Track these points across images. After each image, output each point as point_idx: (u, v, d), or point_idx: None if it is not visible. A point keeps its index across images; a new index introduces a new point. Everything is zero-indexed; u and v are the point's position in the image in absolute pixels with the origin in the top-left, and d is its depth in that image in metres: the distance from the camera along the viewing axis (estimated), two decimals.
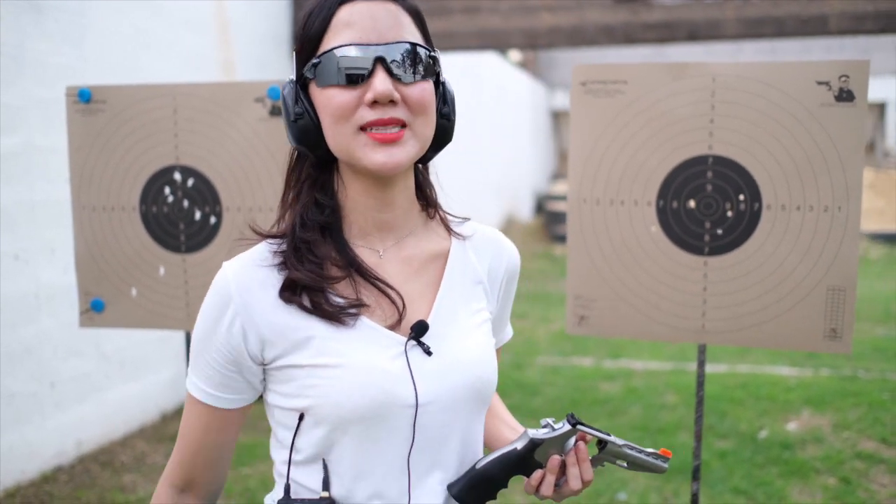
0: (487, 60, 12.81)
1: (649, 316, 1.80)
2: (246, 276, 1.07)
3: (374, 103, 1.01)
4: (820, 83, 1.64)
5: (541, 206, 15.97)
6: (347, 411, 1.03)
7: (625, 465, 1.16)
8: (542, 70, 16.81)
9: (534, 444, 1.12)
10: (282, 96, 1.10)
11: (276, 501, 1.09)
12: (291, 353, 1.05)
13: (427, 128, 1.06)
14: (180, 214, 2.15)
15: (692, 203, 1.76)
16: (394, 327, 1.08)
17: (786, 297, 1.71)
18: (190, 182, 2.13)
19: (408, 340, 1.07)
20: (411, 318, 1.09)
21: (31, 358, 3.88)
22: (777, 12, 5.54)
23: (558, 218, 13.60)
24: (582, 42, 5.87)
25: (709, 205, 1.75)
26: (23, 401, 3.84)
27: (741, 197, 1.73)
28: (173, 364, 4.96)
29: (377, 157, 1.02)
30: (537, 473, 1.12)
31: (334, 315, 1.05)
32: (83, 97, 2.03)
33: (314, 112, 1.06)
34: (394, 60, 1.02)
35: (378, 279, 1.09)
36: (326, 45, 1.03)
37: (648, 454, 1.16)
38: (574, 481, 1.12)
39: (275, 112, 2.04)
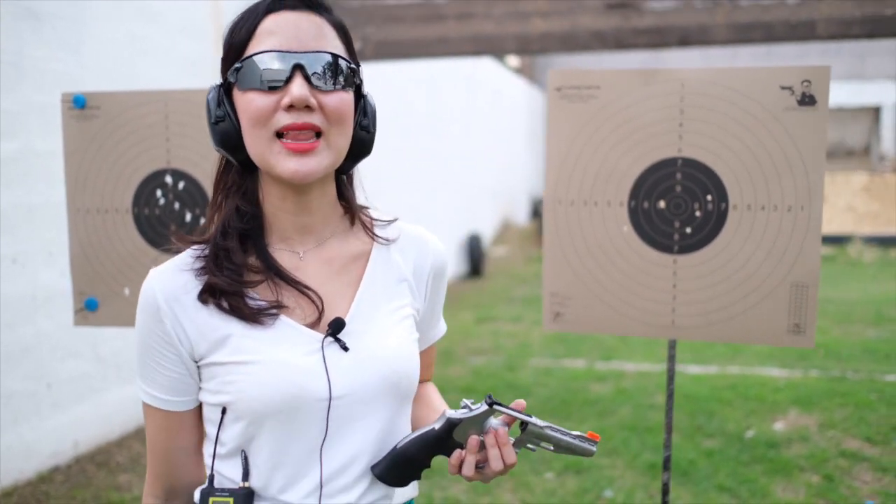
0: (484, 66, 12.90)
1: (622, 312, 1.87)
2: (169, 281, 1.12)
3: (291, 108, 1.04)
4: (783, 88, 1.72)
5: (536, 210, 16.05)
6: (263, 405, 1.08)
7: (550, 447, 1.17)
8: (538, 75, 16.90)
9: (451, 424, 1.15)
10: (206, 100, 1.13)
11: (199, 490, 1.14)
12: (213, 351, 1.10)
13: (342, 138, 1.10)
14: (172, 216, 2.22)
15: (662, 203, 1.83)
16: (313, 326, 1.12)
17: (751, 293, 1.78)
18: (181, 185, 2.20)
19: (325, 337, 1.11)
20: (331, 317, 1.13)
21: (29, 358, 3.95)
22: (766, 18, 5.62)
23: None
24: (574, 47, 5.94)
25: (678, 205, 1.83)
26: (20, 401, 3.90)
27: (709, 197, 1.81)
28: None
29: (290, 165, 1.06)
30: (457, 453, 1.16)
31: (252, 316, 1.10)
32: (78, 103, 2.10)
33: (235, 116, 1.10)
34: (314, 72, 1.06)
35: (296, 281, 1.13)
36: (249, 51, 1.07)
37: (574, 437, 1.16)
38: (495, 462, 1.14)
39: None
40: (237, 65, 1.07)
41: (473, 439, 1.14)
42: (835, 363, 6.13)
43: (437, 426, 1.16)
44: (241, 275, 1.12)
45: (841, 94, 16.14)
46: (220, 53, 4.56)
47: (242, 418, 1.10)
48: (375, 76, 8.01)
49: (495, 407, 1.14)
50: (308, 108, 1.05)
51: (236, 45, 1.08)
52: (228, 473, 1.14)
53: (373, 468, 1.15)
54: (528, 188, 16.42)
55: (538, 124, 17.32)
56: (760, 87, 1.73)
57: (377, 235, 1.23)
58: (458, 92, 11.34)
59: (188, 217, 2.22)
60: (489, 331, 7.60)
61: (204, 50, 5.28)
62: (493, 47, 6.08)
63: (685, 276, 1.84)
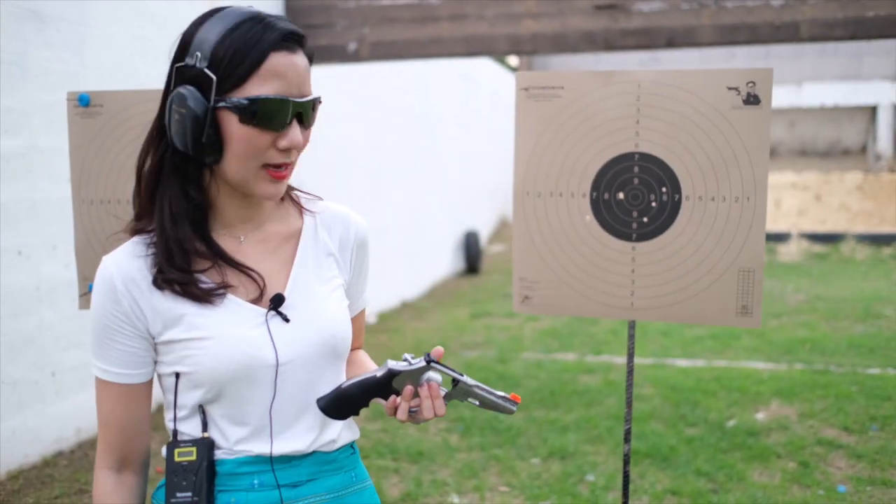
0: (482, 65, 13.04)
1: (585, 295, 2.02)
2: (125, 266, 1.24)
3: (286, 149, 1.21)
4: (730, 88, 1.87)
5: None
6: (219, 374, 1.23)
7: (477, 403, 1.31)
8: None
9: (391, 374, 1.28)
10: (181, 106, 1.18)
11: (165, 445, 1.29)
12: (168, 329, 1.24)
13: (297, 158, 1.27)
14: None
15: (621, 195, 1.98)
16: (256, 301, 1.27)
17: (703, 277, 1.93)
18: None
19: (268, 311, 1.27)
20: (271, 292, 1.28)
21: (32, 347, 4.10)
22: (751, 19, 5.76)
23: None
24: (564, 48, 6.09)
25: (636, 196, 1.97)
26: (25, 388, 4.05)
27: (664, 189, 1.96)
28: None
29: (270, 189, 1.23)
30: (392, 399, 1.30)
31: (202, 297, 1.23)
32: (83, 102, 2.25)
33: (218, 133, 1.19)
34: (305, 115, 1.22)
35: (240, 263, 1.27)
36: (254, 87, 1.16)
37: (499, 396, 1.30)
38: (427, 411, 1.28)
39: None
40: (243, 100, 1.16)
41: (408, 389, 1.28)
42: (819, 357, 6.27)
43: (378, 374, 1.29)
44: (190, 263, 1.24)
45: (837, 93, 16.27)
46: None
47: (200, 387, 1.25)
48: (372, 76, 8.13)
49: (432, 364, 1.27)
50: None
51: (238, 74, 1.16)
52: (189, 431, 1.28)
53: (318, 401, 1.30)
54: None
55: None
56: (709, 87, 1.88)
57: (305, 209, 1.38)
58: (456, 91, 11.49)
59: None
60: (483, 326, 7.75)
61: None
62: (485, 48, 6.23)
63: (643, 262, 1.99)
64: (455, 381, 1.29)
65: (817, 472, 3.96)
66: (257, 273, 1.28)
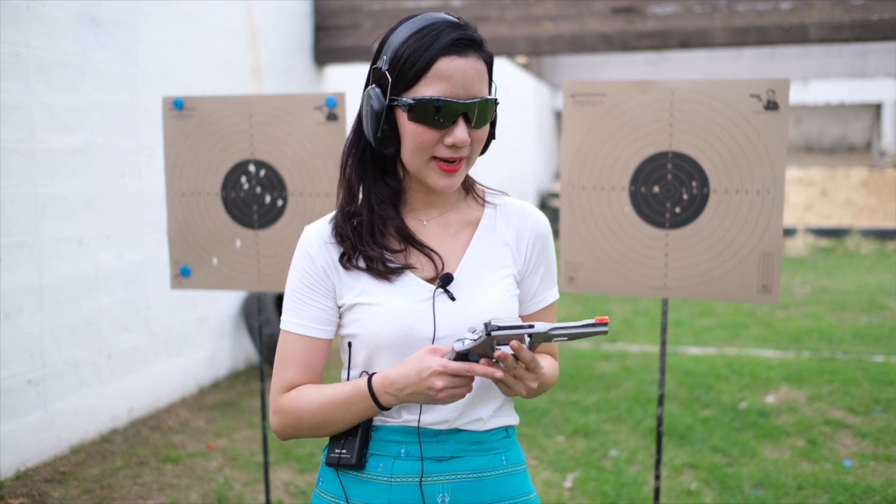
0: (494, 63, 13.27)
1: (623, 276, 2.31)
2: (323, 234, 1.40)
3: (452, 145, 1.30)
4: (752, 96, 2.15)
5: (544, 202, 16.44)
6: (380, 339, 1.34)
7: (565, 339, 1.23)
8: (545, 72, 17.29)
9: (459, 356, 1.26)
10: (367, 104, 1.33)
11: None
12: (349, 293, 1.37)
13: (477, 154, 1.37)
14: (254, 198, 2.67)
15: (656, 188, 2.27)
16: (432, 281, 1.37)
17: (728, 260, 2.22)
18: (262, 172, 2.65)
19: (436, 289, 1.36)
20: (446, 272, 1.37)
21: (90, 331, 4.39)
22: (761, 22, 6.03)
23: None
24: (582, 49, 6.37)
25: (669, 189, 2.26)
26: (84, 369, 4.35)
27: (694, 183, 2.24)
28: (210, 343, 5.48)
29: (441, 182, 1.34)
30: (483, 362, 1.26)
31: (384, 275, 1.36)
32: (177, 105, 2.55)
33: (395, 128, 1.32)
34: (474, 116, 1.29)
35: (423, 244, 1.38)
36: (424, 89, 1.28)
37: (582, 326, 1.21)
38: (526, 381, 1.27)
39: (330, 118, 2.56)
40: (410, 100, 1.28)
41: (483, 361, 1.26)
42: (826, 346, 6.54)
43: (447, 358, 1.28)
44: (385, 241, 1.38)
45: (843, 91, 16.49)
46: (250, 55, 5.01)
47: (364, 348, 1.37)
48: None
49: (493, 333, 1.21)
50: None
51: (410, 76, 1.28)
52: None
53: None
54: (536, 182, 16.79)
55: (546, 119, 17.70)
56: (734, 95, 2.16)
57: (487, 201, 1.48)
58: None
59: (267, 199, 2.67)
60: None
61: (237, 52, 5.72)
62: (506, 49, 6.51)
63: (675, 247, 2.27)
64: (530, 335, 1.23)
65: (825, 448, 4.24)
66: (437, 254, 1.39)
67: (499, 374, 1.24)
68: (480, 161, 1.46)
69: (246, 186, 2.65)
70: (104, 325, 4.49)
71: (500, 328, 1.21)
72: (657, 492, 2.56)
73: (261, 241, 2.67)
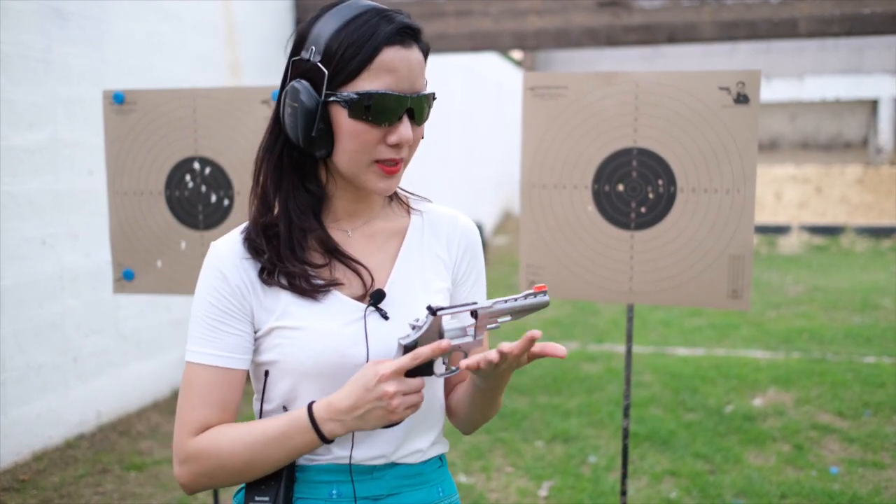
0: (486, 58, 13.16)
1: (586, 280, 2.18)
2: (233, 252, 1.23)
3: (396, 144, 1.18)
4: (721, 88, 2.02)
5: None
6: (306, 367, 1.20)
7: (509, 318, 1.19)
8: (539, 68, 17.15)
9: (407, 348, 1.17)
10: (294, 100, 1.17)
11: None
12: (269, 317, 1.22)
13: (412, 154, 1.24)
14: (199, 198, 2.53)
15: (621, 187, 2.14)
16: (361, 298, 1.24)
17: (696, 263, 2.09)
18: (207, 170, 2.51)
19: (367, 307, 1.23)
20: (375, 288, 1.25)
21: (55, 333, 4.26)
22: (750, 16, 5.90)
23: None
24: (567, 44, 6.24)
25: (634, 188, 2.13)
26: (49, 372, 4.22)
27: (660, 181, 2.11)
28: (184, 345, 5.35)
29: (381, 184, 1.21)
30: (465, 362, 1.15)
31: (308, 293, 1.21)
32: (118, 99, 2.41)
33: (329, 127, 1.18)
34: (416, 111, 1.19)
35: (351, 258, 1.25)
36: (365, 82, 1.15)
37: (524, 297, 1.18)
38: (484, 361, 1.14)
39: None
40: (352, 95, 1.15)
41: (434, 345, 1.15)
42: (817, 346, 6.42)
43: (397, 356, 1.19)
44: (306, 256, 1.24)
45: (839, 87, 16.37)
46: (229, 50, 4.88)
47: (287, 378, 1.22)
48: None
49: (439, 313, 1.16)
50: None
51: (350, 69, 1.15)
52: None
53: None
54: None
55: None
56: (702, 87, 2.03)
57: (413, 208, 1.36)
58: (460, 84, 11.63)
59: (213, 199, 2.54)
60: None
61: (214, 46, 5.58)
62: (490, 43, 6.38)
63: (641, 249, 2.14)
64: (473, 313, 1.18)
65: (811, 454, 4.12)
66: (366, 269, 1.26)
67: (444, 344, 1.14)
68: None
69: (191, 185, 2.51)
70: (70, 327, 4.36)
71: (443, 308, 1.15)
72: None
73: (207, 242, 2.53)
